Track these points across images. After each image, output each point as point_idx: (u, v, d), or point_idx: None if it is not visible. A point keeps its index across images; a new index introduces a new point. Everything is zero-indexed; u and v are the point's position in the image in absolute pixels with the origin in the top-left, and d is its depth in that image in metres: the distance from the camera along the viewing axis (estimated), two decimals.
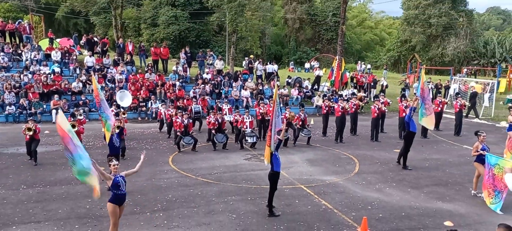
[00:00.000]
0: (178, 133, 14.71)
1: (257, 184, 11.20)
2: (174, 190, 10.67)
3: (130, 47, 26.53)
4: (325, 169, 13.03)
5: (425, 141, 17.32)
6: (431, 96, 17.91)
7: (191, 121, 15.62)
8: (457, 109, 18.85)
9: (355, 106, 17.81)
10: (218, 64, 26.95)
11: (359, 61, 39.13)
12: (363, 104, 16.03)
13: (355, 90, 26.20)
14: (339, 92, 25.34)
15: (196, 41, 41.99)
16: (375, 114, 17.08)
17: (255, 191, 10.65)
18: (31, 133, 12.77)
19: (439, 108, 19.10)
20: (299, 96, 24.81)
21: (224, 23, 39.05)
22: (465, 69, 39.04)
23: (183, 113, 15.20)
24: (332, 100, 20.02)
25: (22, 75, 21.72)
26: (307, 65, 41.07)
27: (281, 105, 21.77)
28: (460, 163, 13.99)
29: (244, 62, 29.24)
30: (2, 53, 23.35)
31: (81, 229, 8.30)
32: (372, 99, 24.33)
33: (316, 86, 27.98)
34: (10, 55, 23.71)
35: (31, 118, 14.35)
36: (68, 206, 9.45)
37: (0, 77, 21.16)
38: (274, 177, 9.06)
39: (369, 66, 38.28)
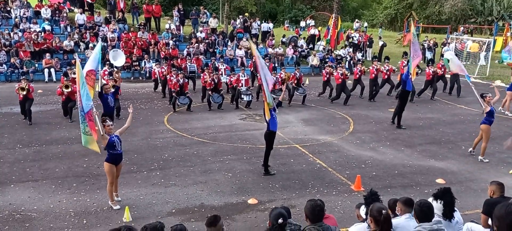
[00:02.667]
0: (173, 93, 14.63)
1: (252, 144, 11.29)
2: (170, 149, 10.74)
3: (121, 4, 25.90)
4: (320, 128, 13.12)
5: (420, 100, 17.39)
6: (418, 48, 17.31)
7: (186, 80, 15.50)
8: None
9: (360, 73, 17.30)
10: (212, 22, 26.51)
11: (356, 20, 38.54)
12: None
13: (351, 50, 25.94)
14: (335, 52, 25.17)
15: None
16: (373, 75, 16.88)
17: (251, 151, 10.75)
18: (24, 93, 12.66)
19: (442, 73, 18.55)
20: (294, 55, 24.60)
21: None
22: (462, 28, 38.73)
23: (178, 72, 15.04)
24: (328, 59, 19.79)
25: (12, 34, 21.28)
26: (302, 23, 40.48)
27: (276, 65, 21.65)
28: (453, 122, 14.14)
29: (238, 21, 28.76)
30: None
31: (79, 187, 8.39)
32: (370, 60, 24.14)
33: (311, 46, 27.72)
34: None
35: (23, 77, 14.17)
36: (65, 165, 9.51)
37: None
38: (270, 136, 9.12)
39: (365, 24, 37.63)
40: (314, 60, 23.94)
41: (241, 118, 14.17)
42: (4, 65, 19.50)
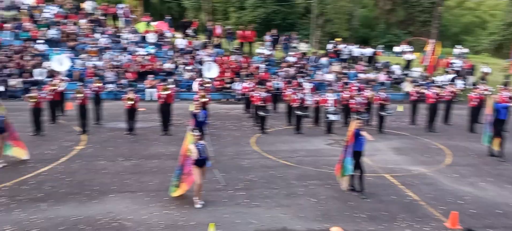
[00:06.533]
0: (259, 113, 14.91)
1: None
2: (256, 170, 10.90)
3: (218, 30, 27.39)
4: (412, 158, 12.40)
5: None
6: None
7: (269, 95, 15.76)
8: None
9: (452, 94, 16.60)
10: (303, 47, 26.74)
11: (457, 46, 35.97)
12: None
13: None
14: (432, 78, 23.85)
15: (282, 24, 41.92)
16: (474, 102, 15.68)
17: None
18: (131, 102, 13.91)
19: None
20: (387, 81, 23.77)
21: (311, 5, 38.49)
22: None
23: (261, 87, 15.48)
24: (423, 86, 18.87)
25: (120, 56, 23.52)
26: (397, 49, 39.02)
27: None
28: None
29: (329, 46, 28.67)
30: (105, 35, 25.45)
31: (170, 201, 8.84)
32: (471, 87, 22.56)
33: (406, 72, 26.57)
34: (111, 36, 25.76)
35: (130, 88, 15.64)
36: (159, 179, 10.10)
37: (104, 58, 23.13)
38: (354, 156, 9.18)
39: (465, 51, 34.45)
40: (408, 87, 22.86)
41: (328, 143, 13.95)
42: (113, 84, 21.55)
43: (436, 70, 26.11)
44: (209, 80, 19.31)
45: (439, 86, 17.26)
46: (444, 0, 33.33)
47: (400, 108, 19.46)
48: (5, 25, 24.49)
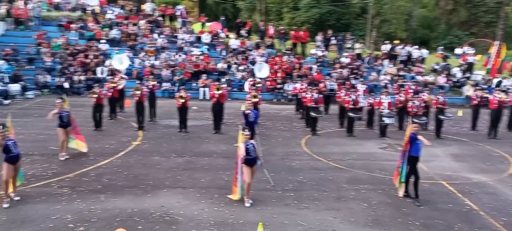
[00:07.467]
0: (311, 113, 14.75)
1: (392, 175, 10.65)
2: (306, 172, 10.81)
3: (271, 31, 27.47)
4: (472, 166, 11.77)
5: None
6: None
7: (321, 96, 15.52)
8: None
9: None
10: (358, 48, 26.20)
11: None
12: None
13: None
14: (496, 82, 22.51)
15: (336, 24, 41.27)
16: None
17: (390, 182, 10.14)
18: (182, 100, 14.30)
19: None
20: (446, 84, 22.72)
21: (367, 5, 37.59)
22: None
23: (313, 88, 15.29)
24: (486, 90, 17.85)
25: (177, 56, 24.23)
26: (458, 50, 37.14)
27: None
28: None
29: (384, 47, 27.87)
30: (162, 35, 26.34)
31: (220, 198, 8.98)
32: None
33: (468, 75, 25.25)
34: (168, 37, 26.61)
35: (183, 86, 16.06)
36: (210, 176, 10.30)
37: (162, 57, 23.94)
38: (410, 162, 8.89)
39: None
40: (469, 91, 21.73)
41: (382, 146, 13.56)
42: (168, 83, 22.25)
43: (500, 74, 24.60)
44: (260, 80, 19.46)
45: (503, 91, 16.26)
46: (511, 0, 31.24)
47: (459, 113, 18.54)
48: (71, 25, 26.04)
